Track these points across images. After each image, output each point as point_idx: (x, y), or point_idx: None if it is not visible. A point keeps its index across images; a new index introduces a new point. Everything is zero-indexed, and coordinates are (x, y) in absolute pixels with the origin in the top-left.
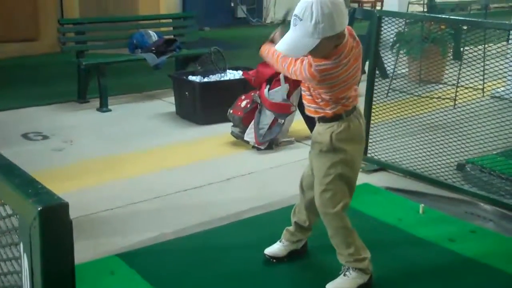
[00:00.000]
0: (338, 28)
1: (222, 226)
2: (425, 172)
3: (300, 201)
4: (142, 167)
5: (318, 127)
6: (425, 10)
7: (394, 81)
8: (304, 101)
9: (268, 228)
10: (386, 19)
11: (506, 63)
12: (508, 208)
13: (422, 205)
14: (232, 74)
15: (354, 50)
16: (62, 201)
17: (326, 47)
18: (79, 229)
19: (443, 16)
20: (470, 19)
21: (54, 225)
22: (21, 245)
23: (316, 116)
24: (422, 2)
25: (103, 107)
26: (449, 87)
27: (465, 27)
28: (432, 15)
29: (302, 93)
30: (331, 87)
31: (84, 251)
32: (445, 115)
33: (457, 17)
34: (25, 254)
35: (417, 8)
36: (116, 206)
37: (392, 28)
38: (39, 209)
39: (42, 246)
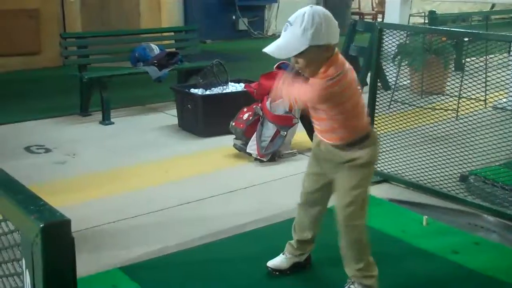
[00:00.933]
0: (326, 38)
1: (225, 239)
2: (428, 183)
3: (301, 218)
4: (145, 179)
5: (356, 148)
6: (426, 21)
7: (396, 93)
8: (325, 136)
9: (271, 241)
10: (387, 31)
11: (507, 74)
12: (511, 219)
13: (426, 217)
14: (234, 87)
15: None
16: (64, 218)
17: (316, 55)
18: (81, 242)
19: (444, 29)
20: (472, 31)
21: (56, 242)
22: (23, 261)
23: (348, 141)
24: (423, 14)
25: (105, 120)
26: (451, 98)
27: (466, 39)
28: (433, 27)
29: (322, 127)
30: (340, 103)
31: (86, 264)
32: (448, 126)
33: (458, 30)
34: (27, 270)
35: (418, 20)
36: (118, 219)
37: (394, 40)
38: (41, 226)
39: (44, 263)
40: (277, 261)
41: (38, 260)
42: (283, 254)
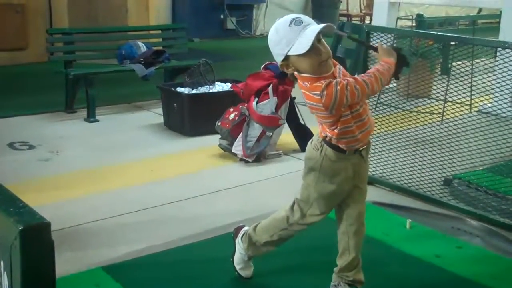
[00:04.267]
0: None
1: (209, 239)
2: (412, 187)
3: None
4: (129, 178)
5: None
6: (414, 25)
7: (383, 95)
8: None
9: None
10: (375, 34)
11: (493, 79)
12: (494, 224)
13: (409, 220)
14: (221, 86)
15: None
16: (44, 221)
17: (301, 62)
18: (64, 240)
19: (432, 33)
20: (459, 36)
21: (35, 245)
22: (1, 263)
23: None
24: (410, 17)
25: (90, 117)
26: (436, 102)
27: (453, 43)
28: (420, 31)
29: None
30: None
31: (69, 263)
32: (433, 130)
33: (445, 34)
34: (5, 273)
35: (406, 23)
36: (102, 218)
37: (381, 42)
38: (20, 228)
39: (22, 266)
40: None
41: (17, 263)
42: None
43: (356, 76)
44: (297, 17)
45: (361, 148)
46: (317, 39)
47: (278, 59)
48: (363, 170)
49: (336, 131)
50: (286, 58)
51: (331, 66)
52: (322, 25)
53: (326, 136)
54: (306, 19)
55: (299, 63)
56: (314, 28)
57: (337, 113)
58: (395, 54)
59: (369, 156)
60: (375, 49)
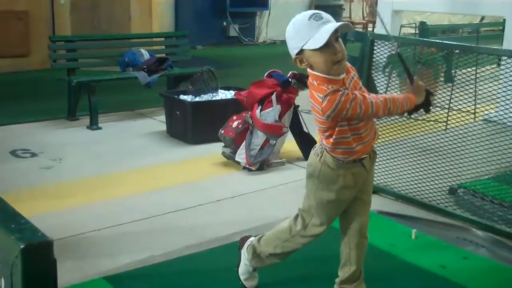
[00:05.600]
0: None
1: (212, 249)
2: (417, 196)
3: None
4: (132, 186)
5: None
6: (417, 32)
7: None
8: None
9: None
10: (379, 42)
11: (497, 86)
12: (500, 234)
13: (415, 230)
14: (224, 94)
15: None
16: (46, 239)
17: (316, 58)
18: (66, 249)
19: (437, 41)
20: (463, 44)
21: (37, 264)
22: (2, 281)
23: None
24: (414, 25)
25: (93, 125)
26: (440, 110)
27: (457, 51)
28: (425, 39)
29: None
30: None
31: (70, 273)
32: (437, 138)
33: (450, 42)
34: None
35: (409, 31)
36: (104, 227)
37: (384, 50)
38: (21, 247)
39: (23, 285)
40: None
41: (18, 282)
42: None
43: (366, 94)
44: (317, 13)
45: (361, 157)
46: (335, 38)
47: (293, 52)
48: (366, 181)
49: (331, 140)
50: (301, 52)
51: (344, 69)
52: (340, 23)
53: (323, 144)
54: (326, 16)
55: (313, 59)
56: (332, 24)
57: (333, 121)
58: (424, 96)
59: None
60: (411, 80)
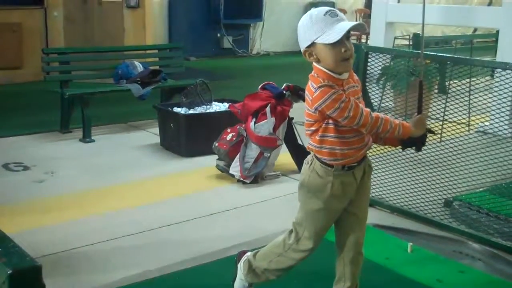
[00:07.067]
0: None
1: (207, 264)
2: (413, 209)
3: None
4: (125, 200)
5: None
6: (411, 44)
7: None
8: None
9: None
10: (373, 54)
11: (490, 98)
12: (496, 247)
13: (411, 244)
14: (218, 106)
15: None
16: (35, 264)
17: (326, 53)
18: (58, 265)
19: (431, 53)
20: (458, 56)
21: None
22: None
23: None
24: (407, 36)
25: (86, 137)
26: (434, 121)
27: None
28: (419, 52)
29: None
30: None
31: None
32: (431, 150)
33: (444, 55)
34: None
35: (402, 42)
36: (97, 241)
37: (378, 62)
38: (9, 272)
39: None
40: None
41: None
42: None
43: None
44: (333, 10)
45: (351, 165)
46: (347, 37)
47: (304, 44)
48: (359, 195)
49: (317, 137)
50: (312, 45)
51: (349, 69)
52: (356, 22)
53: (310, 144)
54: (341, 14)
55: (323, 53)
56: (347, 23)
57: (320, 116)
58: (421, 132)
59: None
60: (419, 110)
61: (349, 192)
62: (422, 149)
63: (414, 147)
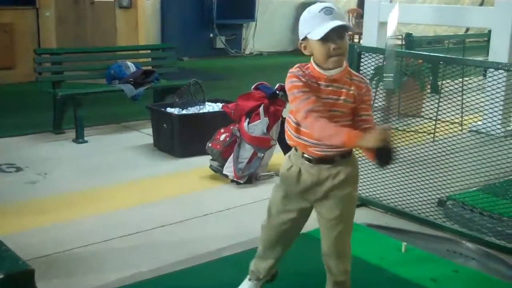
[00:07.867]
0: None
1: (201, 264)
2: (406, 208)
3: (271, 255)
4: (118, 201)
5: (350, 163)
6: (403, 43)
7: (373, 114)
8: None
9: (248, 268)
10: (366, 54)
11: (482, 97)
12: (490, 246)
13: (405, 243)
14: (211, 107)
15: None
16: (27, 268)
17: (316, 48)
18: (52, 266)
19: (424, 53)
20: (450, 56)
21: None
22: None
23: (339, 153)
24: (400, 36)
25: (79, 138)
26: (427, 121)
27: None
28: (412, 51)
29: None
30: None
31: None
32: (425, 149)
33: (437, 54)
34: None
35: (395, 42)
36: (91, 242)
37: (371, 62)
38: (0, 277)
39: None
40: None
41: None
42: (249, 280)
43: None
44: (329, 7)
45: (309, 157)
46: (340, 34)
47: (300, 38)
48: (323, 193)
49: (293, 124)
50: (306, 39)
51: (338, 66)
52: (341, 23)
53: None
54: (338, 12)
55: (313, 47)
56: (335, 22)
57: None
58: (378, 144)
59: (360, 178)
60: (386, 119)
61: (306, 182)
62: (389, 163)
63: (377, 162)
